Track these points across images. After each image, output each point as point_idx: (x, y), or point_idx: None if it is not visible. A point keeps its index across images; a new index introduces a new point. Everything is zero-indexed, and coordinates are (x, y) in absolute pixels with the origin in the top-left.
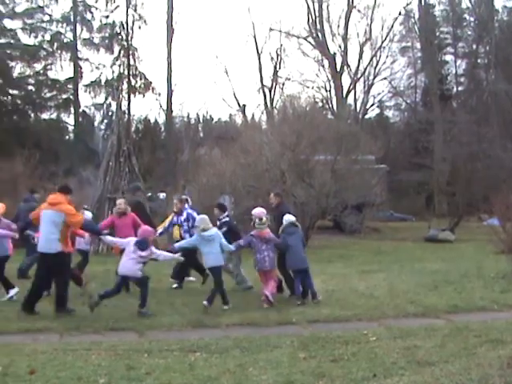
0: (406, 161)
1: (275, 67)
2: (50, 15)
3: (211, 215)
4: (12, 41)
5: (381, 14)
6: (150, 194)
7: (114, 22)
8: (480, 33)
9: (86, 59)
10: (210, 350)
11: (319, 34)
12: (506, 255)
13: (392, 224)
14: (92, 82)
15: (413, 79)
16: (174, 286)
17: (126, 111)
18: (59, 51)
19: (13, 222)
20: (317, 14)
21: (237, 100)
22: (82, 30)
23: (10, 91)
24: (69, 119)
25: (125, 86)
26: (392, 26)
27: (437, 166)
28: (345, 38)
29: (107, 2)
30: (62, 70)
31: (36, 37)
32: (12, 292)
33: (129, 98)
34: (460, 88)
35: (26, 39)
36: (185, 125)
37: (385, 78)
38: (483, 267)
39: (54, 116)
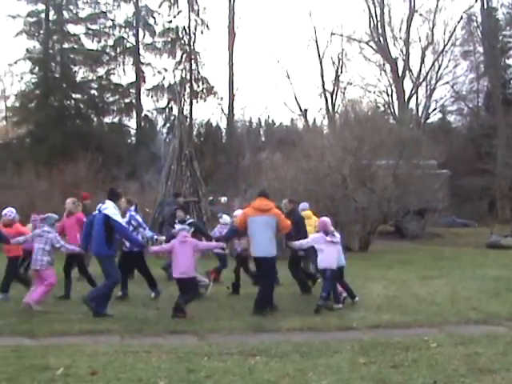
0: (468, 166)
1: (337, 72)
2: (112, 20)
3: None
4: (75, 45)
5: (443, 17)
6: (211, 198)
7: (176, 26)
8: None
9: (149, 64)
10: (270, 354)
11: (381, 39)
12: None
13: (454, 230)
14: (154, 86)
15: (475, 83)
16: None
17: (188, 115)
18: (122, 56)
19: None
20: (378, 19)
21: (298, 104)
22: (144, 34)
23: (74, 95)
24: (131, 123)
25: (187, 90)
26: (454, 30)
27: (500, 171)
28: (406, 42)
29: (170, 7)
30: (124, 74)
31: (99, 42)
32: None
33: (191, 102)
34: None
35: (89, 44)
36: (246, 129)
37: (447, 83)
38: None
39: (116, 120)
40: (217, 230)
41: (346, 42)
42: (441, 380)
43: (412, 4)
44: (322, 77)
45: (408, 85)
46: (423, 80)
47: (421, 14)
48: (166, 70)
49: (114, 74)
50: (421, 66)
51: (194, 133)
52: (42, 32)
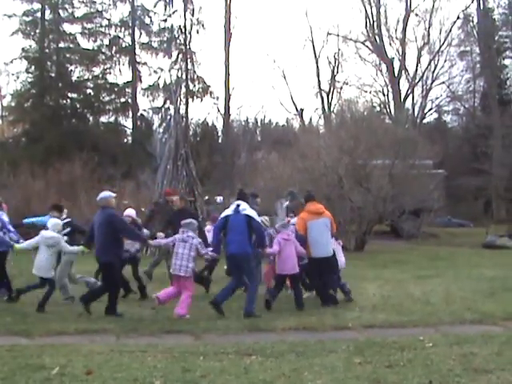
0: (464, 166)
1: (333, 71)
2: (108, 20)
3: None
4: (71, 45)
5: (439, 18)
6: (207, 198)
7: (172, 26)
8: None
9: (145, 63)
10: (266, 353)
11: (377, 39)
12: None
13: (449, 230)
14: (150, 85)
15: (471, 84)
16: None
17: (184, 115)
18: (118, 55)
19: None
20: (374, 19)
21: (294, 104)
22: (140, 34)
23: (69, 95)
24: (127, 123)
25: (183, 89)
26: (450, 30)
27: (495, 172)
28: (403, 43)
29: (165, 7)
30: (120, 73)
31: (95, 41)
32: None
33: (187, 101)
34: None
35: (85, 43)
36: (242, 129)
37: (443, 83)
38: None
39: (112, 119)
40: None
41: (342, 41)
42: (436, 380)
43: (408, 4)
44: (318, 77)
45: (404, 85)
46: (419, 80)
47: (417, 14)
48: (161, 69)
49: (109, 73)
50: (417, 65)
51: (190, 132)
52: (37, 31)
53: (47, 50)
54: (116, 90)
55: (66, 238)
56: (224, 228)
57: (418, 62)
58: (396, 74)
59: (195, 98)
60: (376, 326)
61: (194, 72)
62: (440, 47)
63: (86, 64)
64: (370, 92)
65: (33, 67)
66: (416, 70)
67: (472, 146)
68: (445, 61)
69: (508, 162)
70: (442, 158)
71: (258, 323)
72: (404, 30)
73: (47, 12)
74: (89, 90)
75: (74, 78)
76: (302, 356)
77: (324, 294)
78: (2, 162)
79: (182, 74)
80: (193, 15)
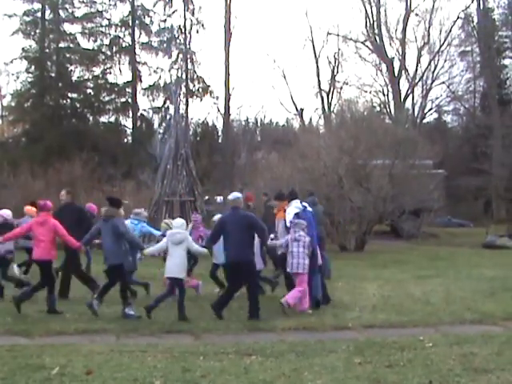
0: (464, 166)
1: (333, 71)
2: (108, 19)
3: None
4: (71, 45)
5: (439, 18)
6: (207, 198)
7: (172, 26)
8: None
9: (145, 63)
10: (266, 353)
11: (377, 38)
12: None
13: (449, 230)
14: (150, 85)
15: (471, 84)
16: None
17: (184, 115)
18: (118, 55)
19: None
20: (374, 18)
21: (294, 104)
22: (140, 34)
23: (70, 95)
24: (127, 122)
25: (183, 89)
26: (450, 30)
27: (495, 172)
28: (403, 42)
29: (165, 7)
30: (120, 73)
31: (95, 41)
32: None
33: (187, 101)
34: None
35: (85, 43)
36: (242, 128)
37: (443, 83)
38: None
39: (112, 119)
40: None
41: (342, 41)
42: (436, 380)
43: (408, 4)
44: (318, 76)
45: (404, 85)
46: (419, 80)
47: (417, 14)
48: (161, 69)
49: (110, 73)
50: (417, 65)
51: (191, 132)
52: (38, 31)
53: (47, 50)
54: (116, 89)
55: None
56: None
57: (418, 62)
58: (396, 74)
59: (195, 97)
60: (376, 326)
61: (194, 72)
62: (440, 47)
63: (86, 64)
64: (370, 92)
65: (33, 67)
66: (416, 70)
67: (472, 146)
68: (445, 61)
69: (508, 162)
70: (441, 157)
71: (257, 323)
72: (404, 29)
73: (47, 12)
74: (89, 90)
75: (74, 78)
76: (301, 356)
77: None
78: (1, 162)
79: (181, 74)
80: (193, 15)
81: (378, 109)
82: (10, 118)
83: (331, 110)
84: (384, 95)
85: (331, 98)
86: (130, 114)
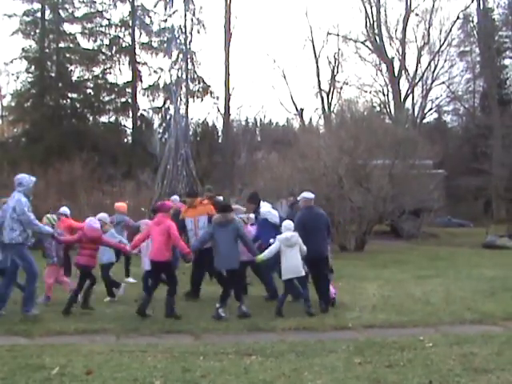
0: (464, 166)
1: (333, 71)
2: (108, 19)
3: None
4: (71, 45)
5: (439, 18)
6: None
7: (172, 26)
8: None
9: (145, 63)
10: (266, 353)
11: (377, 38)
12: None
13: (449, 230)
14: (150, 85)
15: (471, 84)
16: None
17: (184, 115)
18: (118, 55)
19: None
20: (374, 19)
21: (294, 104)
22: (140, 34)
23: (69, 95)
24: (127, 123)
25: (183, 89)
26: (450, 30)
27: (495, 172)
28: (403, 42)
29: (165, 7)
30: (120, 73)
31: (95, 41)
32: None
33: (187, 101)
34: None
35: (85, 43)
36: (242, 129)
37: (443, 83)
38: None
39: (112, 119)
40: None
41: (342, 41)
42: (436, 380)
43: (408, 4)
44: (318, 76)
45: (404, 85)
46: (419, 80)
47: (417, 14)
48: (161, 69)
49: (109, 73)
50: (417, 65)
51: (190, 132)
52: (37, 31)
53: (47, 50)
54: (116, 89)
55: None
56: None
57: (418, 62)
58: (396, 74)
59: (195, 98)
60: (376, 326)
61: (194, 72)
62: (440, 47)
63: (86, 64)
64: (370, 92)
65: (33, 67)
66: (416, 70)
67: (472, 146)
68: (445, 61)
69: (508, 162)
70: (441, 157)
71: (257, 323)
72: (404, 29)
73: (47, 12)
74: (89, 90)
75: (74, 78)
76: (301, 356)
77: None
78: (1, 162)
79: (182, 74)
80: (193, 15)
81: (378, 109)
82: (10, 118)
83: (331, 109)
84: (384, 95)
85: (331, 98)
86: (130, 114)
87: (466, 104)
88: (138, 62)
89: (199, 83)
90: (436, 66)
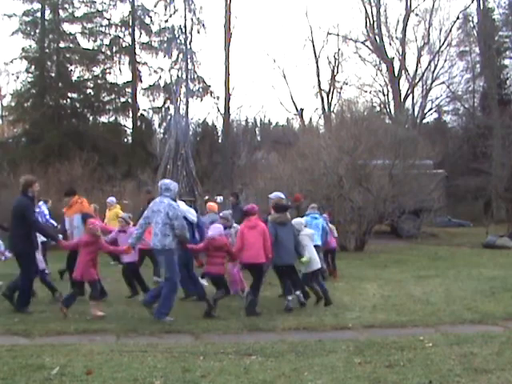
0: (464, 166)
1: (333, 71)
2: (108, 19)
3: None
4: (71, 45)
5: (439, 18)
6: (207, 198)
7: (172, 26)
8: None
9: (145, 63)
10: (266, 353)
11: (377, 38)
12: None
13: (449, 230)
14: (150, 85)
15: (471, 84)
16: None
17: (184, 115)
18: (118, 55)
19: None
20: (374, 19)
21: (294, 104)
22: (140, 34)
23: (69, 95)
24: (127, 123)
25: (183, 89)
26: (450, 30)
27: (495, 172)
28: (403, 42)
29: (166, 7)
30: (120, 73)
31: (95, 41)
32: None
33: (187, 101)
34: None
35: (85, 43)
36: (242, 129)
37: (443, 83)
38: None
39: (112, 119)
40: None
41: (342, 41)
42: (436, 380)
43: (408, 4)
44: (318, 76)
45: (404, 85)
46: (419, 80)
47: (417, 14)
48: (162, 69)
49: (109, 73)
50: (417, 65)
51: (190, 132)
52: (37, 31)
53: (47, 50)
54: (116, 89)
55: None
56: None
57: (418, 62)
58: (396, 74)
59: (195, 97)
60: (376, 326)
61: (195, 72)
62: (440, 47)
63: (85, 64)
64: (370, 92)
65: (33, 67)
66: (416, 70)
67: (472, 146)
68: (445, 61)
69: (508, 162)
70: (442, 158)
71: (257, 323)
72: (404, 29)
73: (47, 12)
74: (89, 90)
75: (74, 78)
76: (301, 356)
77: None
78: (1, 161)
79: (182, 74)
80: (194, 15)
81: (378, 109)
82: (10, 117)
83: (331, 109)
84: (384, 95)
85: (331, 98)
86: (130, 114)
87: (466, 104)
88: (138, 62)
89: (199, 83)
90: (436, 66)
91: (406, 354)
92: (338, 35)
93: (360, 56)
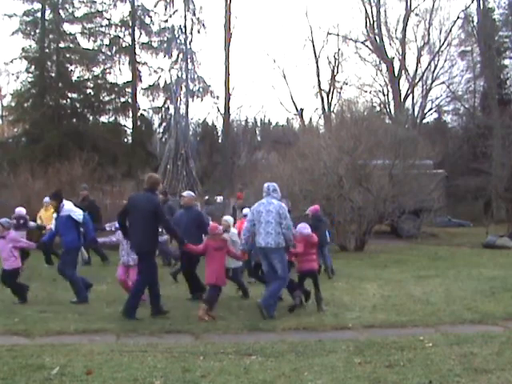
0: (464, 166)
1: (333, 71)
2: (108, 19)
3: None
4: (71, 45)
5: (439, 18)
6: (207, 198)
7: (173, 26)
8: None
9: (145, 63)
10: (266, 353)
11: (377, 38)
12: None
13: (449, 230)
14: (150, 85)
15: (471, 84)
16: None
17: (184, 115)
18: (118, 55)
19: None
20: (374, 18)
21: (294, 104)
22: (140, 34)
23: (69, 95)
24: (127, 122)
25: (183, 89)
26: (450, 30)
27: (495, 172)
28: (403, 42)
29: (166, 7)
30: (120, 73)
31: (95, 41)
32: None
33: (187, 101)
34: None
35: (85, 43)
36: (242, 129)
37: (443, 83)
38: None
39: (112, 119)
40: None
41: (342, 41)
42: (436, 380)
43: (408, 4)
44: (318, 76)
45: (404, 85)
46: (419, 80)
47: (417, 14)
48: (162, 69)
49: (109, 73)
50: (417, 65)
51: (190, 132)
52: (37, 31)
53: (47, 50)
54: (116, 89)
55: None
56: None
57: (418, 62)
58: (396, 74)
59: (195, 97)
60: (376, 326)
61: (195, 72)
62: (440, 47)
63: (85, 64)
64: (370, 92)
65: (33, 67)
66: (416, 70)
67: (472, 146)
68: (445, 61)
69: (508, 162)
70: (442, 158)
71: (257, 323)
72: (404, 29)
73: (47, 12)
74: (89, 90)
75: (74, 78)
76: (301, 356)
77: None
78: (1, 161)
79: (182, 74)
80: (194, 15)
81: (378, 109)
82: (10, 117)
83: (331, 109)
84: (384, 95)
85: (331, 98)
86: (130, 114)
87: (466, 104)
88: (138, 62)
89: (199, 83)
90: (436, 66)
91: (406, 354)
92: (338, 35)
93: (360, 56)
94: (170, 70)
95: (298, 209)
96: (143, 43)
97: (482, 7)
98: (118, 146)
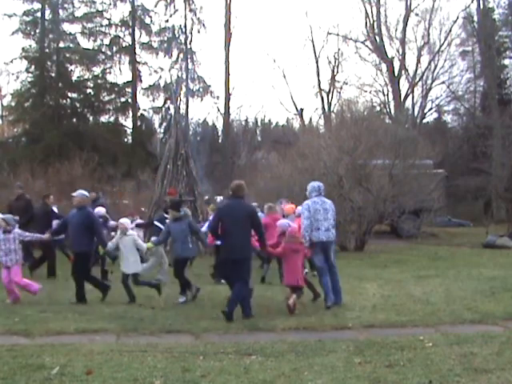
0: (464, 166)
1: (333, 71)
2: (108, 19)
3: None
4: (71, 45)
5: (439, 17)
6: (207, 198)
7: (173, 25)
8: None
9: (145, 63)
10: (266, 353)
11: (377, 38)
12: None
13: (449, 229)
14: (150, 85)
15: (471, 84)
16: None
17: (184, 115)
18: (118, 55)
19: None
20: (374, 18)
21: (294, 104)
22: (140, 33)
23: (70, 94)
24: (127, 122)
25: (183, 89)
26: (450, 30)
27: (495, 172)
28: (403, 42)
29: (166, 7)
30: (120, 73)
31: (95, 41)
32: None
33: (187, 101)
34: None
35: (85, 43)
36: (242, 128)
37: (443, 83)
38: None
39: (112, 119)
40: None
41: (342, 41)
42: (436, 380)
43: (408, 4)
44: (318, 76)
45: (404, 85)
46: (419, 80)
47: (417, 14)
48: (162, 69)
49: (110, 73)
50: (417, 65)
51: (191, 132)
52: (37, 31)
53: (47, 50)
54: (116, 89)
55: None
56: None
57: (418, 61)
58: (396, 74)
59: (195, 97)
60: (376, 325)
61: (195, 72)
62: (440, 47)
63: (86, 64)
64: (370, 92)
65: (33, 67)
66: (416, 69)
67: (472, 146)
68: (445, 61)
69: (508, 162)
70: (442, 158)
71: (257, 323)
72: (404, 29)
73: (47, 12)
74: (89, 90)
75: (74, 78)
76: (301, 356)
77: None
78: (1, 161)
79: (182, 74)
80: (194, 15)
81: (377, 109)
82: (10, 117)
83: (331, 109)
84: (384, 95)
85: (331, 97)
86: (130, 114)
87: (466, 104)
88: (138, 62)
89: (199, 83)
90: (436, 66)
91: (405, 354)
92: (338, 35)
93: (360, 56)
94: (170, 70)
95: None
96: (143, 43)
97: (482, 7)
98: (118, 145)
